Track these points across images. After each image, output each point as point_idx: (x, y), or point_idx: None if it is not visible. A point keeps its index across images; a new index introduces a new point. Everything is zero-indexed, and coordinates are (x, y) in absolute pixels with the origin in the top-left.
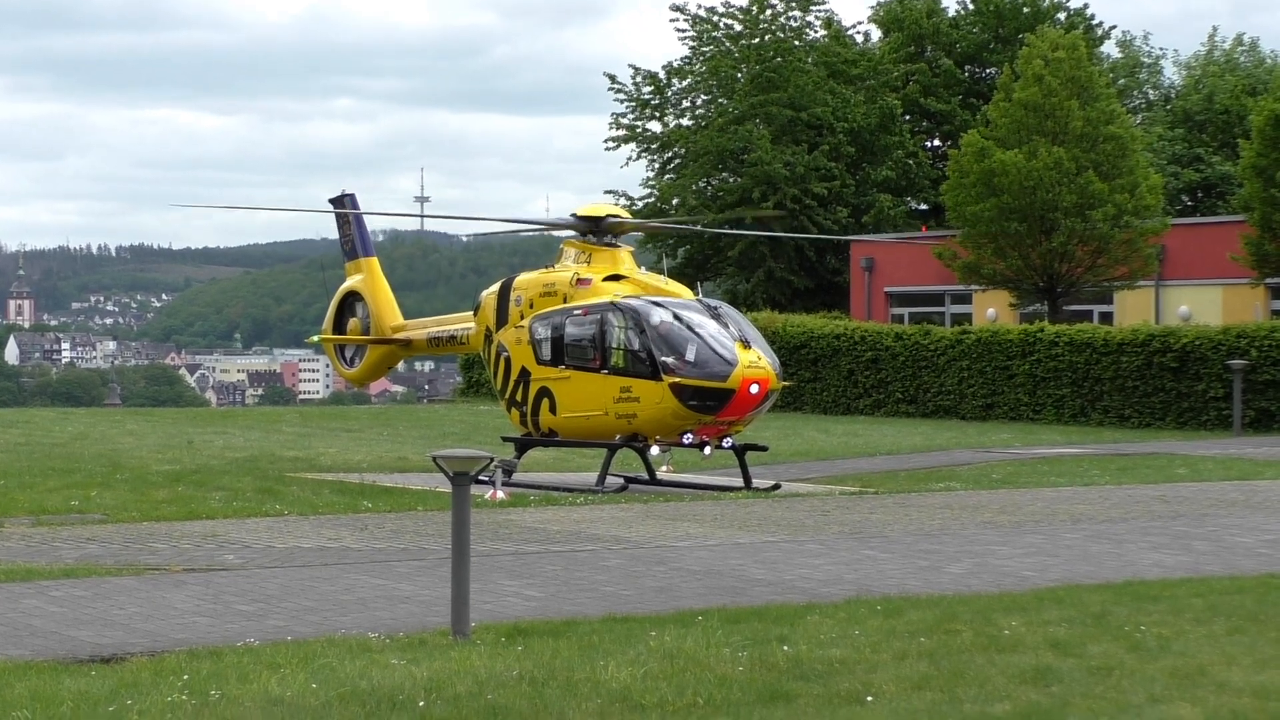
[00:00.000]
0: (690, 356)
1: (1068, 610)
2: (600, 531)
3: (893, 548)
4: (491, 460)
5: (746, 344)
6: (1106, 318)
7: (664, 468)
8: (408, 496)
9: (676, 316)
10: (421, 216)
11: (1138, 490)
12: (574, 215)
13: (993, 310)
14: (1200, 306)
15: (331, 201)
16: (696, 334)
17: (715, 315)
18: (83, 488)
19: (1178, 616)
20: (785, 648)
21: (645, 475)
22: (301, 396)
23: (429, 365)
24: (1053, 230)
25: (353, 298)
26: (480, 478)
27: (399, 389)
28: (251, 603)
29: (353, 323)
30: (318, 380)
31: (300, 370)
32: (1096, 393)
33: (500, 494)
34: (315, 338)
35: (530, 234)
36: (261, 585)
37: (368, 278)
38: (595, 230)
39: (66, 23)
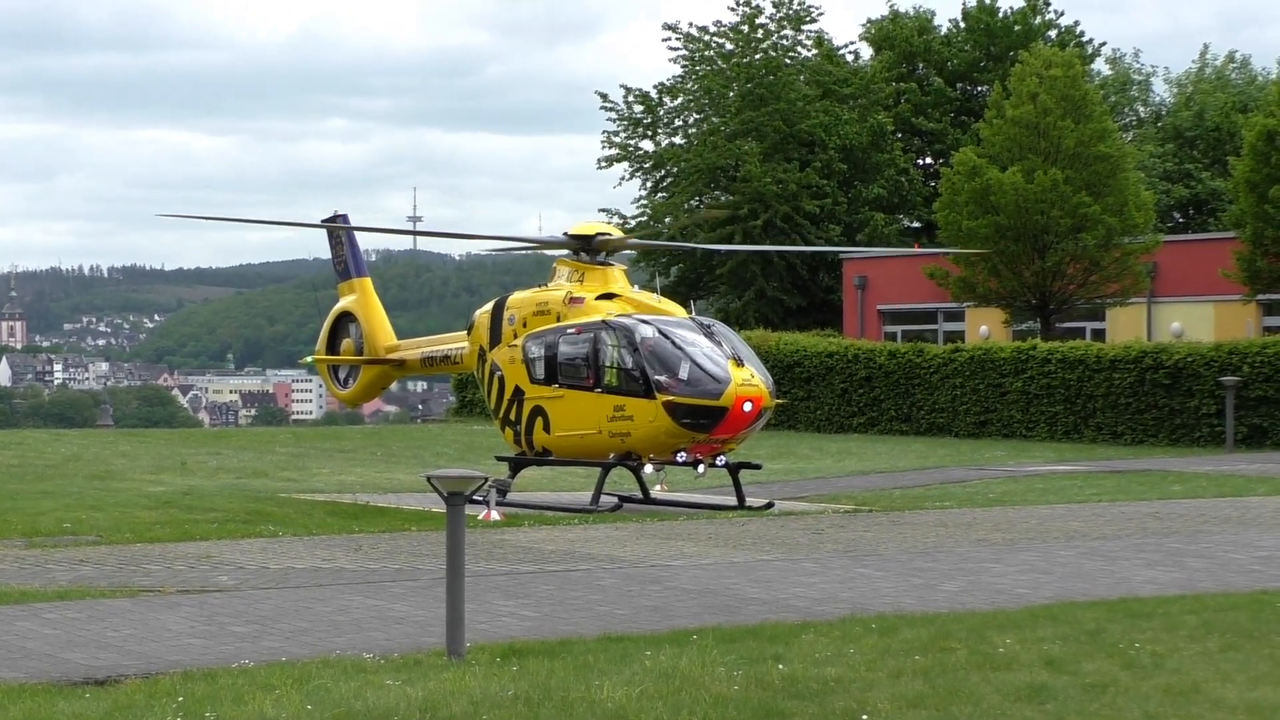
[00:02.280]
0: (683, 375)
1: (1062, 628)
2: (595, 551)
3: (887, 566)
4: (486, 480)
5: (740, 362)
6: (1099, 335)
7: (658, 486)
8: (401, 517)
9: (669, 335)
10: (414, 234)
11: (1131, 507)
12: (566, 234)
13: (985, 328)
14: (1192, 323)
15: (324, 222)
16: (689, 352)
17: (708, 333)
18: (76, 509)
19: (1172, 634)
20: (780, 666)
21: (639, 494)
22: (295, 417)
23: (422, 385)
24: (1046, 250)
25: (346, 318)
26: (474, 498)
27: (392, 409)
28: (246, 624)
29: (346, 343)
30: (311, 401)
31: (293, 391)
32: (1089, 410)
33: (494, 514)
34: (308, 358)
35: (523, 253)
36: (256, 607)
37: (361, 298)
38: (588, 249)
39: (59, 43)
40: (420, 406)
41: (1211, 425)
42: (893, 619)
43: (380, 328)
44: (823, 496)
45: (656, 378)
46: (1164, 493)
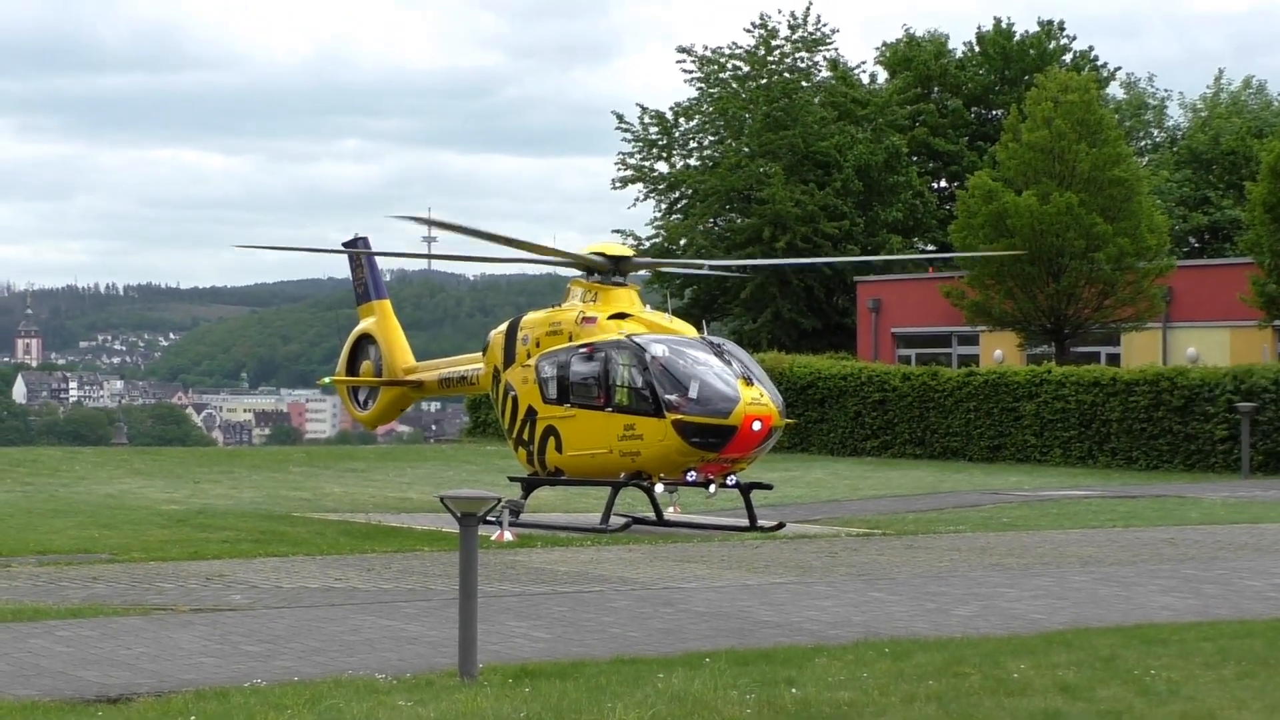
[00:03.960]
0: (692, 393)
1: (1077, 653)
2: (607, 572)
3: (900, 590)
4: (499, 501)
5: (749, 381)
6: (1113, 359)
7: (671, 509)
8: (414, 537)
9: (679, 354)
10: (430, 257)
11: (1146, 533)
12: (591, 252)
13: (999, 352)
14: (1207, 348)
15: (344, 244)
16: (699, 371)
17: (718, 352)
18: (89, 527)
19: (1187, 660)
20: (793, 690)
21: (654, 516)
22: (308, 436)
23: (435, 405)
24: (1060, 273)
25: (366, 340)
26: (487, 519)
27: (405, 429)
28: (258, 643)
29: (365, 365)
30: (324, 420)
31: (307, 410)
32: (1104, 434)
33: (507, 535)
34: (326, 379)
35: (537, 274)
36: (268, 626)
37: (380, 320)
38: (615, 269)
39: (76, 63)
40: (434, 426)
41: (1227, 451)
42: (906, 643)
43: (399, 350)
44: (836, 520)
45: (666, 397)
46: (1180, 519)
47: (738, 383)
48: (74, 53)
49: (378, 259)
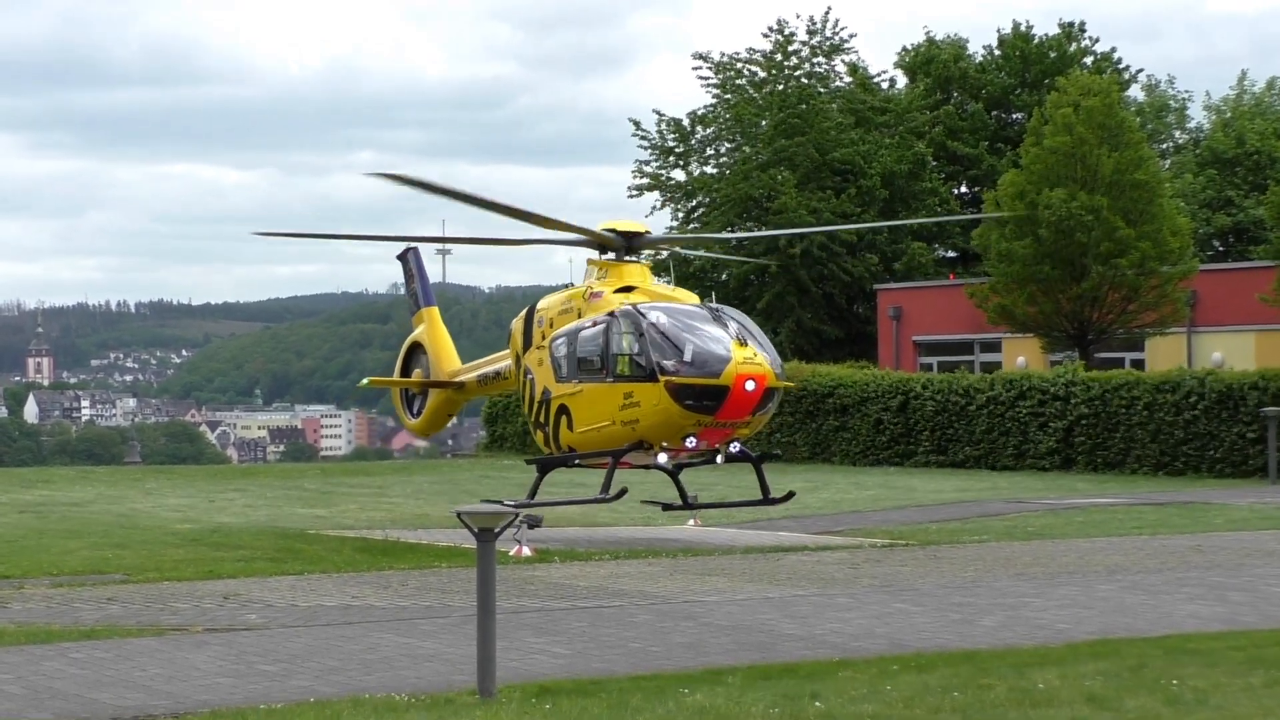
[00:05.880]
0: (686, 356)
1: (1103, 663)
2: (627, 587)
3: (924, 601)
4: (516, 516)
5: (744, 342)
6: (1138, 365)
7: (690, 522)
8: (432, 553)
9: (674, 318)
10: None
11: (1172, 540)
12: (609, 230)
13: (1023, 359)
14: (1233, 352)
15: (398, 257)
16: (692, 334)
17: (716, 317)
18: (103, 548)
19: (1215, 669)
20: (817, 704)
21: (679, 501)
22: (323, 452)
23: (452, 420)
24: (1083, 275)
25: (417, 349)
26: (507, 530)
27: (422, 444)
28: (274, 663)
29: (416, 374)
30: (339, 436)
31: (322, 426)
32: (1130, 441)
33: (525, 550)
34: (365, 380)
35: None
36: (285, 645)
37: (428, 327)
38: (627, 247)
39: (88, 79)
40: (450, 441)
41: (1255, 456)
42: (930, 655)
43: (445, 355)
44: (858, 531)
45: (660, 361)
46: (1206, 525)
47: (732, 343)
48: (86, 68)
49: (391, 275)
